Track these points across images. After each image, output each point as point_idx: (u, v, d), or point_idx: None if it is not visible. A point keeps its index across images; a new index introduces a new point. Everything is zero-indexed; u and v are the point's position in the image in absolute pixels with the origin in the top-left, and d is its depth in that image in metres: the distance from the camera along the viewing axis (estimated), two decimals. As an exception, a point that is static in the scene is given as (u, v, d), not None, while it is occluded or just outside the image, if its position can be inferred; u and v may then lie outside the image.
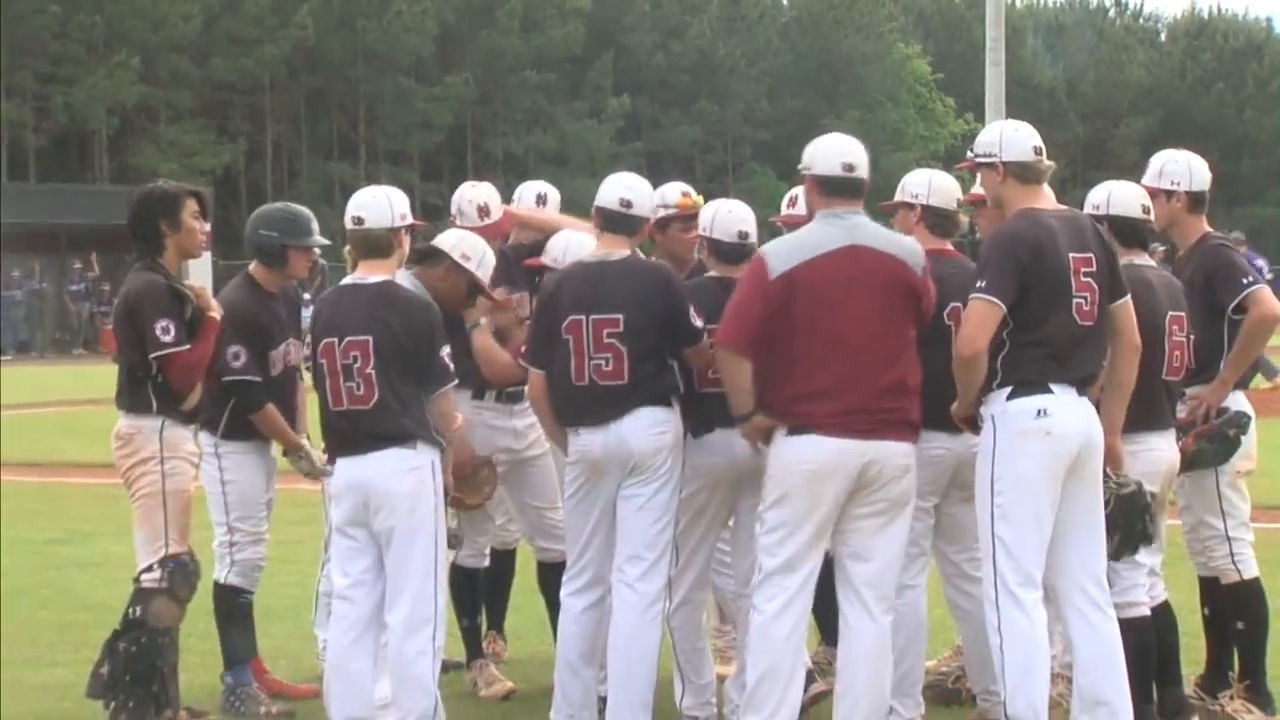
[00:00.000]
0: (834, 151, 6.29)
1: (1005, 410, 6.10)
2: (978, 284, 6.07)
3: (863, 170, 6.28)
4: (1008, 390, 6.11)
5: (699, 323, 6.63)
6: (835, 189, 6.23)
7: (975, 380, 6.12)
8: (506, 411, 7.52)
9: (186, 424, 6.88)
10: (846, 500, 6.16)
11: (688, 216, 7.05)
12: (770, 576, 6.19)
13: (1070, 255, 6.12)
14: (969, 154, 6.46)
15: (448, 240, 6.93)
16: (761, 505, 6.25)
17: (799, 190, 7.54)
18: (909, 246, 6.31)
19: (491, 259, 6.96)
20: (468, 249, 6.90)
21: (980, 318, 6.04)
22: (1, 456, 16.90)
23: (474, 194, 7.66)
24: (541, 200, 7.93)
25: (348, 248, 6.68)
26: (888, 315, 6.16)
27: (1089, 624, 6.15)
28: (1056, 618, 6.30)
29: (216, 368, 7.05)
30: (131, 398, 6.85)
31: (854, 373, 6.11)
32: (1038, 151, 6.30)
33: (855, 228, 6.20)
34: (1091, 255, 6.17)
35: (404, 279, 6.65)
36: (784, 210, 7.57)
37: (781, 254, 6.19)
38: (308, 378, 6.87)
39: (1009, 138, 6.34)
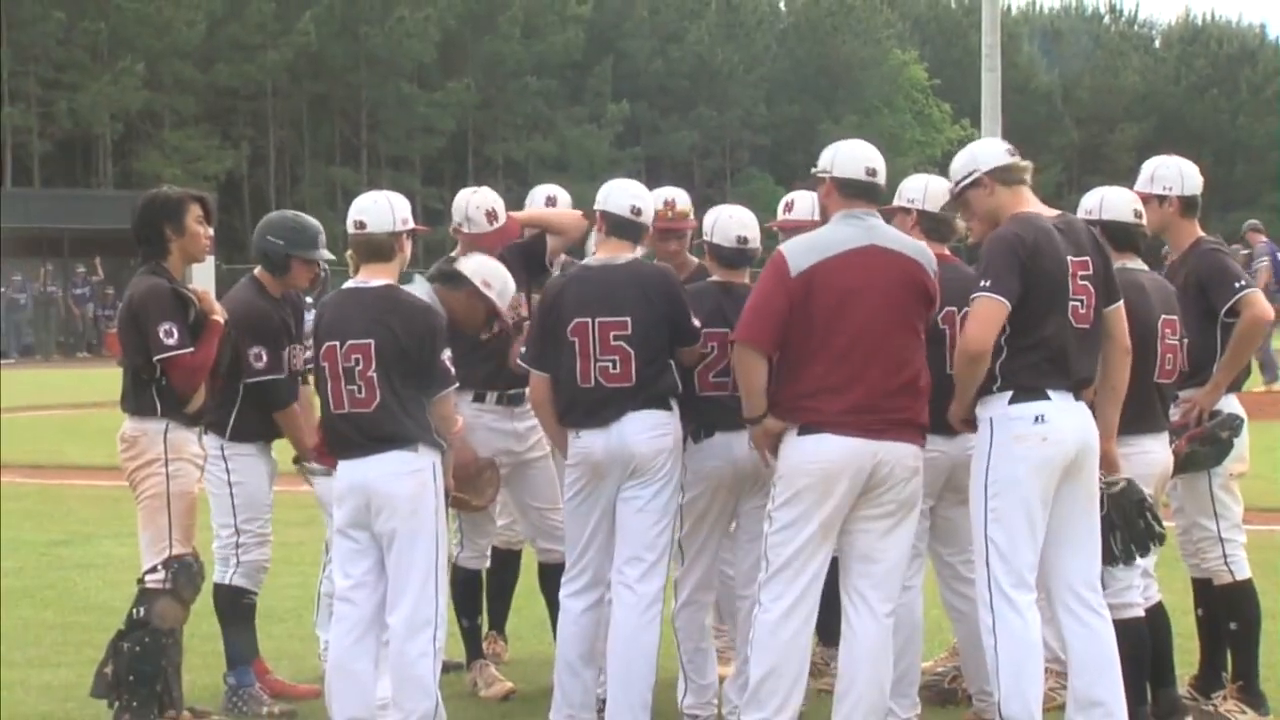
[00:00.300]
0: (857, 156, 6.36)
1: (1003, 415, 6.14)
2: (982, 283, 6.09)
3: (882, 176, 6.38)
4: (1008, 395, 6.14)
5: (697, 323, 6.71)
6: (857, 192, 6.31)
7: (977, 379, 6.15)
8: (508, 414, 7.58)
9: (191, 426, 6.91)
10: (855, 501, 6.21)
11: (663, 229, 7.14)
12: (778, 575, 6.22)
13: (1068, 258, 6.17)
14: (951, 187, 6.48)
15: (470, 265, 6.97)
16: (770, 504, 6.28)
17: (795, 195, 7.58)
18: (923, 250, 6.39)
19: (511, 287, 7.00)
20: (489, 276, 6.93)
21: (987, 314, 6.06)
22: (3, 458, 16.91)
23: (481, 200, 7.67)
24: (551, 202, 7.99)
25: (349, 251, 6.70)
26: (902, 316, 6.22)
27: (1084, 625, 6.18)
28: (1050, 617, 6.34)
29: (223, 369, 7.07)
30: (136, 400, 6.89)
31: (867, 371, 6.16)
32: (1011, 153, 6.37)
33: (873, 229, 6.28)
34: (1088, 259, 6.22)
35: (421, 291, 6.68)
36: (780, 215, 7.63)
37: (801, 252, 6.24)
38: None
39: (982, 149, 6.46)
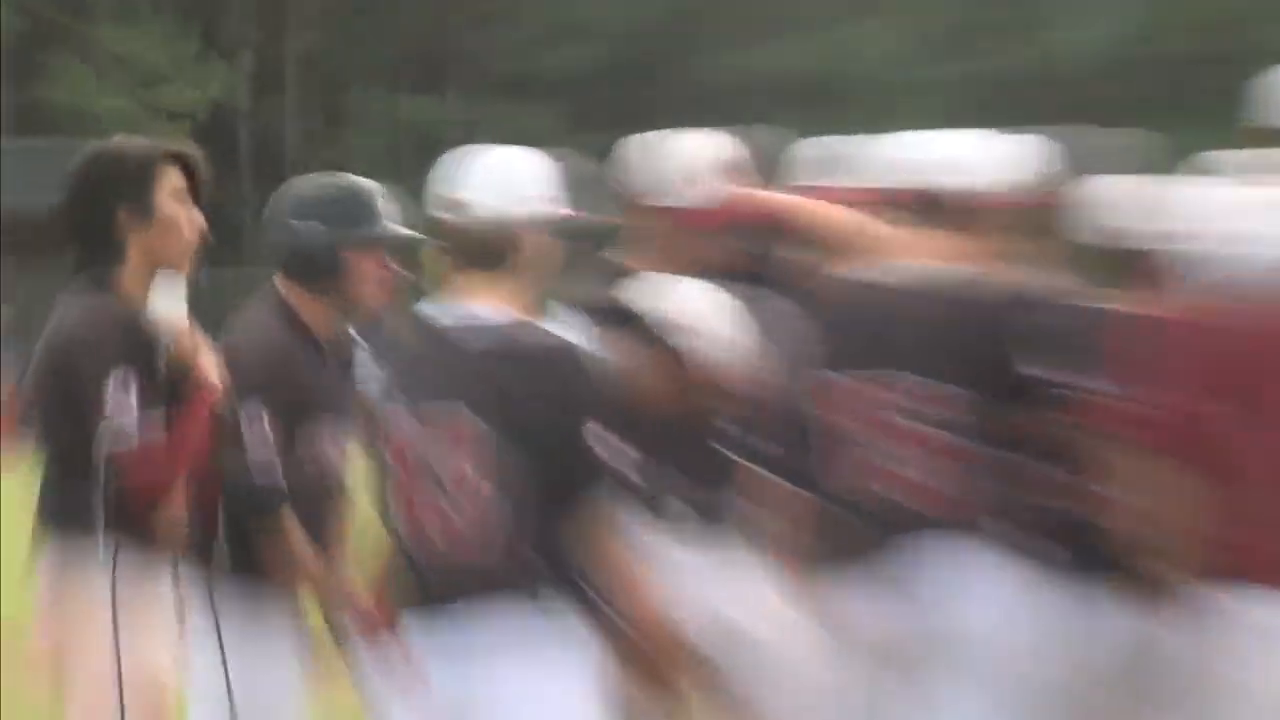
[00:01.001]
0: None
1: None
2: None
3: None
4: None
5: None
6: None
7: None
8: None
9: (155, 556, 4.60)
10: None
11: None
12: None
13: None
14: None
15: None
16: None
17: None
18: None
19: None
20: (695, 321, 6.48)
21: None
22: None
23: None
24: None
25: (429, 251, 4.73)
26: None
27: None
28: None
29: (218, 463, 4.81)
30: (61, 513, 4.59)
31: None
32: None
33: None
34: None
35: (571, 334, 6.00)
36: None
37: None
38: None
39: None
